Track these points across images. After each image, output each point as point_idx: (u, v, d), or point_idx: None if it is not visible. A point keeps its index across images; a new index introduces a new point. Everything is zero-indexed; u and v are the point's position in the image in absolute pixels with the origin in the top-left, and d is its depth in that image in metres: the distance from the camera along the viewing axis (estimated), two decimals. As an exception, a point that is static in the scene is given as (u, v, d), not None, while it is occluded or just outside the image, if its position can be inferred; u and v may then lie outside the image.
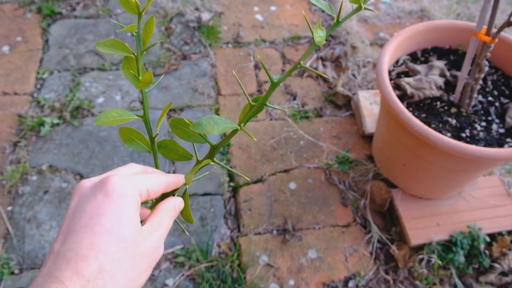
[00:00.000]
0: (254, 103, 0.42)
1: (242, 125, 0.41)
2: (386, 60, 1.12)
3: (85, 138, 1.41)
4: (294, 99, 1.58)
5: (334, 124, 1.51)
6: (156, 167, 0.50)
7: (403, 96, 1.15)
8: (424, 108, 1.14)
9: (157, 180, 0.40)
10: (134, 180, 0.37)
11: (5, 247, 1.17)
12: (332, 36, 1.78)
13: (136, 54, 0.44)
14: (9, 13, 1.73)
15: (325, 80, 1.64)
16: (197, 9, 1.81)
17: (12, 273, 1.12)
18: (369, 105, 1.48)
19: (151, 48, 1.74)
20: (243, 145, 1.43)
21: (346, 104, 1.56)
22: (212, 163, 0.45)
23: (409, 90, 1.14)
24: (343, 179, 1.36)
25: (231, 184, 1.34)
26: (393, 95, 1.05)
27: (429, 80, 1.14)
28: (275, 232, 1.25)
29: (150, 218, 0.39)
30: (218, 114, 1.51)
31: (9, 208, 1.24)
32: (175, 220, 0.49)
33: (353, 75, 1.63)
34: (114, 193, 0.35)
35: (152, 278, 1.15)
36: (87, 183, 0.37)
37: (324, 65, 1.68)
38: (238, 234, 1.25)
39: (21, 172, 1.30)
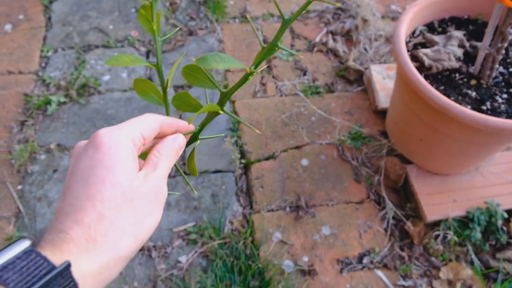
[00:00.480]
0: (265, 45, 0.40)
1: (252, 67, 0.39)
2: (403, 30, 1.08)
3: (92, 116, 1.38)
4: (305, 74, 1.53)
5: (346, 99, 1.47)
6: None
7: (421, 68, 1.10)
8: (443, 80, 1.10)
9: (149, 121, 0.38)
10: (123, 127, 0.36)
11: (17, 226, 1.15)
12: (342, 9, 1.73)
13: (151, 1, 0.42)
14: (10, -11, 1.68)
15: (335, 55, 1.59)
16: (203, -17, 1.75)
17: (24, 252, 1.10)
18: (381, 79, 1.44)
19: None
20: (253, 122, 1.40)
21: (357, 79, 1.52)
22: (220, 112, 0.43)
23: (427, 61, 1.09)
24: (356, 155, 1.33)
25: (243, 161, 1.31)
26: (411, 66, 1.01)
27: (448, 51, 1.10)
28: (288, 209, 1.23)
29: (146, 161, 0.38)
30: (227, 91, 1.47)
31: (19, 187, 1.22)
32: (179, 171, 0.47)
33: (365, 49, 1.58)
34: (104, 145, 0.34)
35: (165, 255, 1.14)
36: (81, 143, 0.37)
37: (334, 40, 1.63)
38: (250, 211, 1.22)
39: (29, 151, 1.27)
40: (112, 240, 0.32)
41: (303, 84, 1.50)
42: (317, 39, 1.63)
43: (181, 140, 0.41)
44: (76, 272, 0.29)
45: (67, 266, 0.28)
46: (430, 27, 1.21)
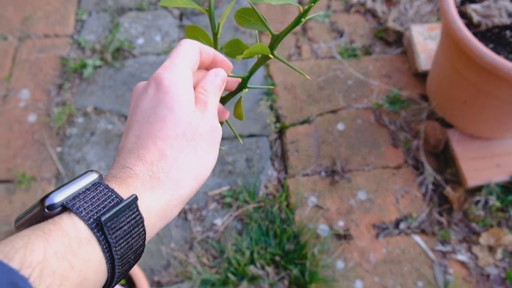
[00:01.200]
0: None
1: (306, 6, 0.36)
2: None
3: (127, 80, 1.38)
4: (341, 36, 1.47)
5: (384, 62, 1.41)
6: None
7: (469, 25, 1.03)
8: (492, 38, 1.03)
9: (192, 51, 0.37)
10: (178, 64, 0.35)
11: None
12: (381, -34, 1.63)
13: None
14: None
15: (374, 15, 1.51)
16: None
17: (67, 211, 1.14)
18: (423, 40, 1.36)
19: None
20: (288, 85, 1.36)
21: (397, 41, 1.45)
22: (271, 56, 0.41)
23: (476, 18, 1.02)
24: (393, 120, 1.28)
25: (277, 125, 1.29)
26: (459, 22, 0.94)
27: (499, 6, 1.02)
28: (323, 173, 1.21)
29: (196, 102, 0.37)
30: (260, 54, 1.43)
31: (59, 149, 1.25)
32: (228, 124, 0.46)
33: (405, 9, 1.49)
34: (163, 85, 0.33)
35: (200, 218, 1.15)
36: (141, 84, 0.36)
37: (373, 0, 1.54)
38: (285, 175, 1.21)
39: (67, 114, 1.29)
40: (175, 178, 0.32)
41: (339, 47, 1.44)
42: (355, 0, 1.55)
43: (223, 74, 0.39)
44: (142, 206, 0.29)
45: (134, 199, 0.28)
46: (480, -18, 1.12)
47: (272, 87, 0.49)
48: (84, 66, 1.38)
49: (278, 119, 1.30)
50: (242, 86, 0.44)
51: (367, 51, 1.44)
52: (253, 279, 1.05)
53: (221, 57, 0.40)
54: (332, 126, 1.29)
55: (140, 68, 1.40)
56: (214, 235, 1.12)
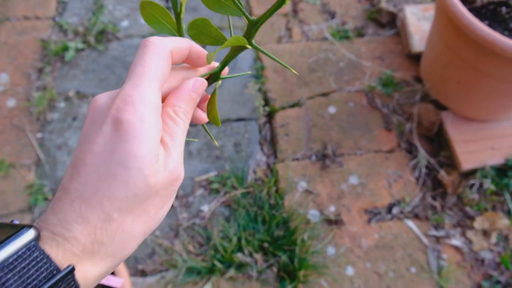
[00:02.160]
0: None
1: None
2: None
3: (111, 63, 1.31)
4: (333, 17, 1.41)
5: (377, 44, 1.35)
6: None
7: (464, 1, 0.98)
8: (487, 14, 0.97)
9: (163, 66, 0.30)
10: (147, 89, 0.28)
11: (38, 174, 1.12)
12: None
13: None
14: None
15: (366, -4, 1.45)
16: None
17: (46, 198, 1.08)
18: (416, 21, 1.31)
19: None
20: (278, 68, 1.30)
21: (390, 22, 1.39)
22: (248, 46, 0.34)
23: (471, -6, 0.96)
24: (386, 103, 1.23)
25: (266, 108, 1.23)
26: (454, -3, 0.89)
27: (496, -19, 0.96)
28: (314, 157, 1.16)
29: (163, 129, 0.30)
30: (249, 36, 1.37)
31: (39, 135, 1.18)
32: (205, 128, 0.39)
33: (398, -11, 1.43)
34: (121, 128, 0.27)
35: (186, 204, 1.09)
36: (102, 99, 0.30)
37: (365, -20, 1.48)
38: (274, 160, 1.16)
39: (48, 98, 1.22)
40: (119, 242, 0.27)
41: (331, 28, 1.38)
42: (346, -20, 1.49)
43: (200, 85, 0.32)
44: (79, 274, 0.26)
45: (71, 270, 0.25)
46: (475, -43, 1.07)
47: (249, 72, 0.40)
48: (66, 49, 1.31)
49: (267, 102, 1.25)
50: (214, 79, 0.37)
51: (360, 33, 1.38)
52: (240, 266, 1.00)
53: (197, 50, 0.33)
54: (323, 109, 1.23)
55: (125, 51, 1.33)
56: (200, 221, 1.07)
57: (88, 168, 0.27)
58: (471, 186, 1.08)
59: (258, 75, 1.29)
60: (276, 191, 1.11)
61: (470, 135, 1.10)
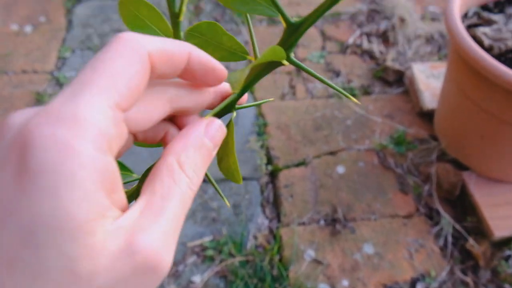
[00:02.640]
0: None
1: None
2: (457, 6, 0.85)
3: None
4: (338, 76, 1.32)
5: (385, 102, 1.24)
6: None
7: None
8: (506, 62, 0.86)
9: (136, 74, 0.17)
10: (88, 109, 0.15)
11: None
12: (375, 10, 1.52)
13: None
14: (34, -4, 1.56)
15: (371, 56, 1.37)
16: (228, -13, 1.59)
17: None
18: (425, 78, 1.20)
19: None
20: (281, 125, 1.18)
21: (397, 80, 1.29)
22: (285, 63, 0.21)
23: (487, 41, 0.86)
24: (400, 162, 1.08)
25: (269, 167, 1.09)
26: (471, 42, 0.78)
27: (511, 29, 0.86)
28: (322, 222, 0.98)
29: (139, 200, 0.17)
30: (252, 93, 1.26)
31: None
32: (209, 178, 0.25)
33: (404, 49, 1.35)
34: (28, 170, 0.14)
35: (175, 274, 0.91)
36: (19, 117, 0.16)
37: (369, 41, 1.41)
38: (278, 224, 0.99)
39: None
40: None
41: (336, 86, 1.28)
42: (350, 41, 1.41)
43: (218, 128, 0.20)
44: None
45: None
46: (485, 8, 0.98)
47: (271, 99, 0.26)
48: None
49: (270, 160, 1.10)
50: (228, 107, 0.23)
51: (366, 91, 1.27)
52: None
53: (203, 59, 0.19)
54: (331, 169, 1.08)
55: (121, 106, 1.22)
56: (191, 296, 0.88)
57: None
58: (507, 257, 0.89)
59: (261, 132, 1.16)
60: (280, 260, 0.92)
61: (499, 198, 0.94)
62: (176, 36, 0.24)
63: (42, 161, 0.14)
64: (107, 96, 0.15)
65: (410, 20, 1.43)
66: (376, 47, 1.38)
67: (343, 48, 1.40)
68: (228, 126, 0.22)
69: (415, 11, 1.51)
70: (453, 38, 0.82)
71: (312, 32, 1.46)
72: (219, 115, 0.23)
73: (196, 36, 0.24)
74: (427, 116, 1.17)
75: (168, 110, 0.19)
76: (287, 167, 1.08)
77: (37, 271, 0.14)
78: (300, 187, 1.04)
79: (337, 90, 0.23)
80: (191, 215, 1.00)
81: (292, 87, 1.29)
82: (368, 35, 1.43)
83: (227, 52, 0.24)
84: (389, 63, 1.29)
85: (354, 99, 0.23)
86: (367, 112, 1.20)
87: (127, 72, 0.16)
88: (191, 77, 0.20)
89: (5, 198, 0.14)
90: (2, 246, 0.14)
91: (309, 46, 1.41)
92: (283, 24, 0.22)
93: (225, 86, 0.22)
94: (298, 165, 1.09)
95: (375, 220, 0.99)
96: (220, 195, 0.26)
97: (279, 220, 0.99)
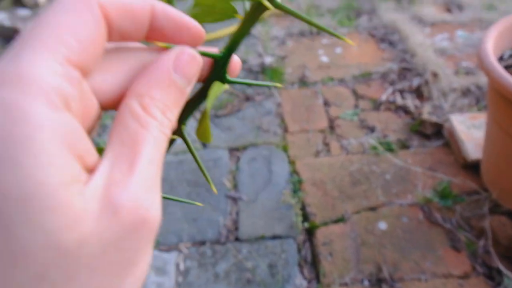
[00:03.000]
0: None
1: None
2: (490, 46, 0.84)
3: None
4: (373, 131, 1.29)
5: (425, 155, 1.19)
6: None
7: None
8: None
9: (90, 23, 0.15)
10: (38, 65, 0.13)
11: None
12: (407, 68, 1.53)
13: None
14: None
15: (406, 111, 1.35)
16: (260, 55, 1.67)
17: None
18: (466, 129, 1.16)
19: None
20: (317, 181, 1.14)
21: (436, 133, 1.25)
22: (267, 5, 0.19)
23: (533, 83, 0.83)
24: (448, 217, 1.01)
25: (306, 224, 1.04)
26: (509, 77, 0.75)
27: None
28: (366, 282, 0.90)
29: (110, 141, 0.15)
30: (286, 151, 1.26)
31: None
32: (186, 141, 0.22)
33: (440, 103, 1.33)
34: None
35: None
36: None
37: (403, 97, 1.40)
38: (317, 285, 0.91)
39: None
40: None
41: (372, 141, 1.25)
42: (383, 98, 1.41)
43: (189, 59, 0.17)
44: None
45: None
46: (524, 54, 0.96)
47: (277, 85, 0.23)
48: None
49: (306, 217, 1.06)
50: (216, 74, 0.21)
51: (404, 145, 1.23)
52: None
53: (171, 14, 0.18)
54: (372, 225, 1.02)
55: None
56: None
57: None
58: None
59: (295, 189, 1.13)
60: (322, 326, 0.84)
61: None
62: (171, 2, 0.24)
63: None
64: (53, 50, 0.14)
65: (443, 75, 1.42)
66: (411, 102, 1.36)
67: (377, 105, 1.40)
68: (205, 110, 0.19)
69: (448, 66, 1.51)
70: (490, 77, 0.79)
71: (343, 92, 1.48)
72: (204, 89, 0.21)
73: (196, 5, 0.23)
74: (472, 167, 1.11)
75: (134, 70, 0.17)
76: (325, 224, 1.03)
77: (14, 257, 0.12)
78: (339, 244, 0.98)
79: (327, 31, 0.21)
80: (224, 277, 0.95)
81: (326, 144, 1.27)
82: (401, 91, 1.43)
83: (219, 14, 0.23)
84: (425, 116, 1.26)
85: (348, 40, 0.20)
86: (406, 166, 1.15)
87: (74, 24, 0.14)
88: (161, 38, 0.18)
89: None
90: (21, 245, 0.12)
91: (342, 105, 1.42)
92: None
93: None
94: (336, 221, 1.03)
95: (426, 280, 0.89)
96: (197, 162, 0.23)
97: (318, 281, 0.92)
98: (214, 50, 0.20)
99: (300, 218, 1.05)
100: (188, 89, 0.18)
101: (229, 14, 0.23)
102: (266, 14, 0.20)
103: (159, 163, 0.15)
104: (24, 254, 0.12)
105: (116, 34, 0.16)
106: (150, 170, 0.15)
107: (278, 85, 0.24)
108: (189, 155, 1.26)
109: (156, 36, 0.18)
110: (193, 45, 0.18)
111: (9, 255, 0.12)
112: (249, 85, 0.23)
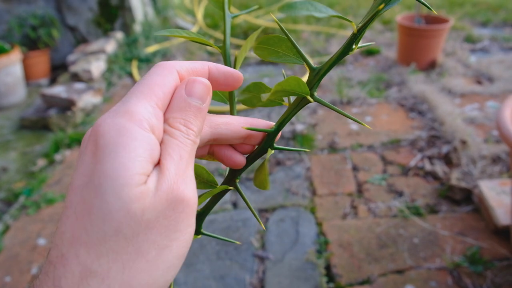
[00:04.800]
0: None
1: (360, 24, 0.26)
2: (508, 114, 0.91)
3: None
4: (400, 196, 1.34)
5: (454, 220, 1.21)
6: None
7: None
8: None
9: (168, 82, 0.25)
10: (138, 105, 0.23)
11: None
12: (436, 136, 1.60)
13: None
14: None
15: (435, 177, 1.40)
16: (292, 123, 1.81)
17: None
18: (496, 195, 1.19)
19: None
20: (343, 243, 1.18)
21: (465, 199, 1.27)
22: (311, 99, 0.28)
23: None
24: (479, 283, 1.01)
25: (331, 285, 1.07)
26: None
27: None
28: None
29: (162, 152, 0.24)
30: (313, 213, 1.32)
31: None
32: (240, 192, 0.31)
33: (469, 169, 1.37)
34: (98, 144, 0.22)
35: None
36: (105, 121, 0.23)
37: (431, 163, 1.45)
38: None
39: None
40: None
41: (400, 205, 1.29)
42: (412, 164, 1.47)
43: (196, 85, 0.25)
44: None
45: None
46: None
47: (307, 150, 0.33)
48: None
49: (332, 278, 1.09)
50: (266, 144, 0.30)
51: (432, 210, 1.26)
52: None
53: (222, 69, 0.27)
54: (399, 288, 1.03)
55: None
56: None
57: (67, 211, 0.21)
58: None
59: (322, 249, 1.18)
60: None
61: None
62: (231, 94, 0.32)
63: (107, 139, 0.21)
64: (149, 98, 0.23)
65: (473, 143, 1.47)
66: (439, 168, 1.41)
67: (405, 171, 1.45)
68: (264, 162, 0.28)
69: (477, 135, 1.56)
70: (509, 144, 0.85)
71: (372, 157, 1.55)
72: (259, 153, 0.30)
73: (246, 92, 0.33)
74: (502, 233, 1.12)
75: (209, 133, 0.27)
76: (351, 285, 1.06)
77: (103, 213, 0.20)
78: (365, 307, 1.00)
79: (351, 118, 0.30)
80: (248, 334, 0.98)
81: (354, 207, 1.32)
82: (430, 158, 1.49)
83: (268, 101, 0.31)
84: (454, 181, 1.30)
85: (366, 125, 0.29)
86: (435, 230, 1.18)
87: (160, 82, 0.24)
88: (217, 85, 0.27)
89: (86, 172, 0.21)
90: (86, 202, 0.21)
91: (370, 170, 1.48)
92: (307, 70, 0.30)
93: (269, 124, 0.29)
94: (362, 283, 1.06)
95: None
96: (255, 215, 0.31)
97: None
98: (271, 124, 0.30)
99: (325, 279, 1.08)
100: (204, 106, 0.26)
101: (277, 102, 0.32)
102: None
103: (189, 159, 0.24)
104: (110, 214, 0.20)
105: None
106: (180, 164, 0.23)
107: (307, 150, 0.31)
108: (220, 215, 1.35)
109: (215, 86, 0.27)
110: (237, 84, 0.28)
111: (101, 214, 0.20)
112: (285, 150, 0.31)
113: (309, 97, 0.28)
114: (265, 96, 0.28)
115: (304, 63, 0.29)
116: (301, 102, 0.29)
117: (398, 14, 2.86)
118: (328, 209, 1.33)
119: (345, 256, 1.14)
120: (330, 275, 1.10)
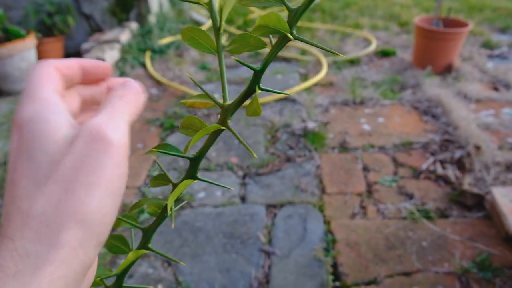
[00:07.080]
0: None
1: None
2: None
3: (179, 227, 1.31)
4: (411, 198, 1.33)
5: (465, 225, 1.21)
6: (223, 87, 0.36)
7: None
8: None
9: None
10: (39, 93, 0.26)
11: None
12: (449, 140, 1.59)
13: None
14: (137, 128, 1.91)
15: (446, 181, 1.39)
16: (303, 120, 1.80)
17: None
18: (508, 202, 1.18)
19: (256, 152, 1.73)
20: (351, 242, 1.18)
21: (477, 205, 1.27)
22: (289, 36, 0.29)
23: None
24: (487, 289, 1.00)
25: (337, 283, 1.07)
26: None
27: None
28: None
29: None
30: (322, 211, 1.32)
31: None
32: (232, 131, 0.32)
33: (482, 175, 1.36)
34: (19, 124, 0.24)
35: None
36: (22, 110, 0.26)
37: (444, 167, 1.45)
38: None
39: (110, 254, 1.20)
40: (48, 242, 0.21)
41: (410, 208, 1.29)
42: (424, 167, 1.46)
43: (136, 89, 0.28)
44: None
45: None
46: None
47: (287, 94, 0.33)
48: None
49: (338, 277, 1.09)
50: (253, 84, 0.31)
51: (443, 214, 1.26)
52: None
53: (89, 63, 0.30)
54: (405, 290, 1.03)
55: (195, 217, 1.34)
56: None
57: (8, 182, 0.23)
58: None
59: (329, 248, 1.18)
60: None
61: None
62: (218, 44, 0.35)
63: (20, 124, 0.24)
64: (51, 87, 0.26)
65: (487, 149, 1.46)
66: (452, 172, 1.40)
67: (416, 174, 1.45)
68: (255, 94, 0.30)
69: (492, 141, 1.55)
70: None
71: (383, 159, 1.54)
72: (248, 94, 0.31)
73: (234, 43, 0.34)
74: (515, 241, 1.11)
75: (80, 98, 0.30)
76: (357, 285, 1.06)
77: (22, 161, 0.22)
78: (370, 307, 0.99)
79: (330, 51, 0.30)
80: (251, 327, 0.98)
81: (363, 207, 1.32)
82: (442, 162, 1.48)
83: (253, 46, 0.32)
84: (466, 187, 1.29)
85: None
86: (445, 234, 1.17)
87: (50, 73, 0.27)
88: (89, 75, 0.30)
89: (14, 146, 0.24)
90: (16, 159, 0.23)
91: (381, 171, 1.48)
92: (286, 11, 0.31)
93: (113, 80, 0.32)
94: (368, 283, 1.06)
95: None
96: (236, 136, 0.32)
97: None
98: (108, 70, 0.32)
99: (331, 277, 1.08)
100: (138, 102, 0.28)
101: (260, 46, 0.34)
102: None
103: (124, 114, 0.25)
104: (34, 163, 0.22)
105: (68, 79, 0.29)
106: (112, 113, 0.24)
107: (288, 93, 0.33)
108: (227, 209, 1.36)
109: (86, 77, 0.31)
110: (106, 73, 0.31)
111: (25, 164, 0.22)
112: (270, 91, 0.32)
113: (289, 35, 0.29)
114: (250, 29, 0.29)
115: (282, 4, 0.30)
116: (283, 41, 0.30)
117: (416, 16, 2.84)
118: (336, 208, 1.33)
119: (352, 256, 1.14)
120: (336, 274, 1.10)
